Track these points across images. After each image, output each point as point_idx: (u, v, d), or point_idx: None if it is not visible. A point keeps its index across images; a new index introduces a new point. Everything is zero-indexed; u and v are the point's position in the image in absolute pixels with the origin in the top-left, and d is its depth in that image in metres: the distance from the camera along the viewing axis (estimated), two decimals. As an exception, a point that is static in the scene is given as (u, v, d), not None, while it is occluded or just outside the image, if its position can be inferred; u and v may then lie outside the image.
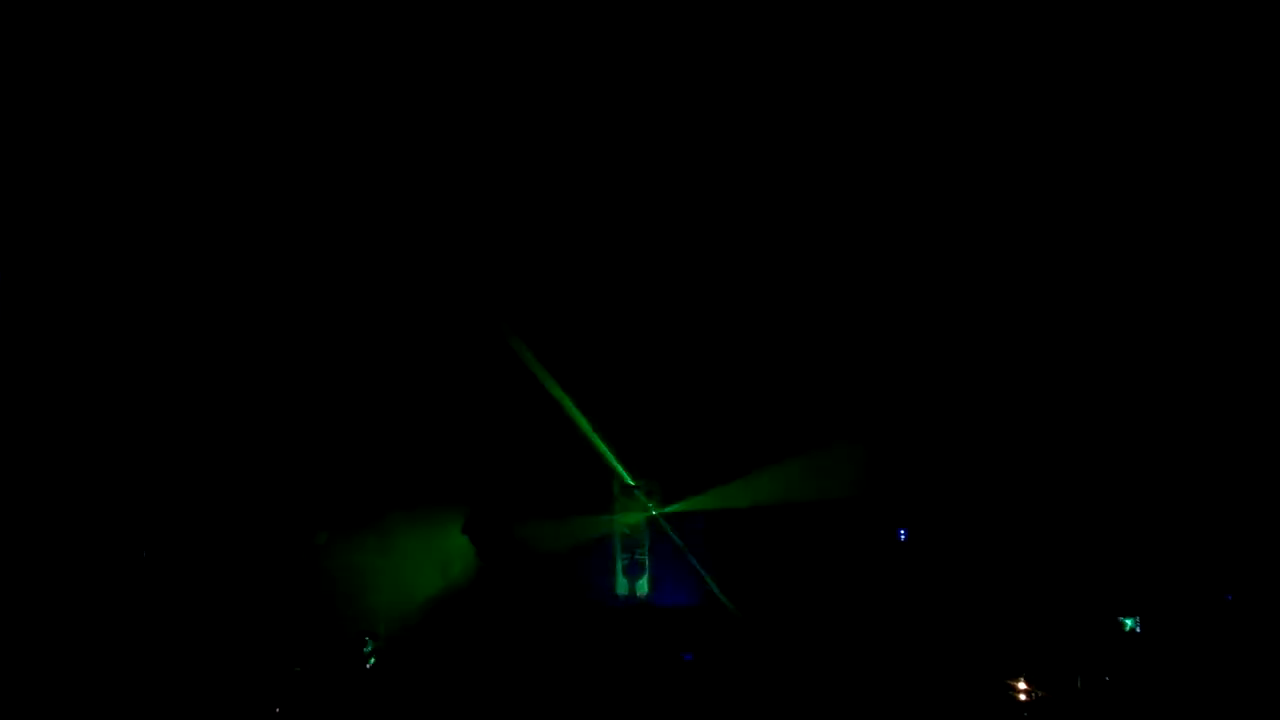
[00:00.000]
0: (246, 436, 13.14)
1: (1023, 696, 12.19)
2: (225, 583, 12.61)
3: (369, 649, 12.53)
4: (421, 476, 13.69)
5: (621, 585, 14.03)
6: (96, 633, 11.43)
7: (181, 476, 12.81)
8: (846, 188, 12.84)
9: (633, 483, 14.24)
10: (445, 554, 13.76)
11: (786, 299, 13.73)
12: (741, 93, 11.92)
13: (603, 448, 14.04)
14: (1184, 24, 11.20)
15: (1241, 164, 12.05)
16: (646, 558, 14.09)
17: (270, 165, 12.04)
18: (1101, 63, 11.54)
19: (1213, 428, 13.17)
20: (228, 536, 12.94)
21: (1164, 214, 12.73)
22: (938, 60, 11.62)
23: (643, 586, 14.08)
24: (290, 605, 12.74)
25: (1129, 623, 12.96)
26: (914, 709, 11.81)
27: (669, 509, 14.32)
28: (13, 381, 11.15)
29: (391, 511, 13.61)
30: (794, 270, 13.59)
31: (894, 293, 13.79)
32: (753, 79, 11.87)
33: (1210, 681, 11.68)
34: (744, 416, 14.13)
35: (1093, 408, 13.53)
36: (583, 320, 13.85)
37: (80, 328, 12.05)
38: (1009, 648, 12.74)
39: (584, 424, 13.92)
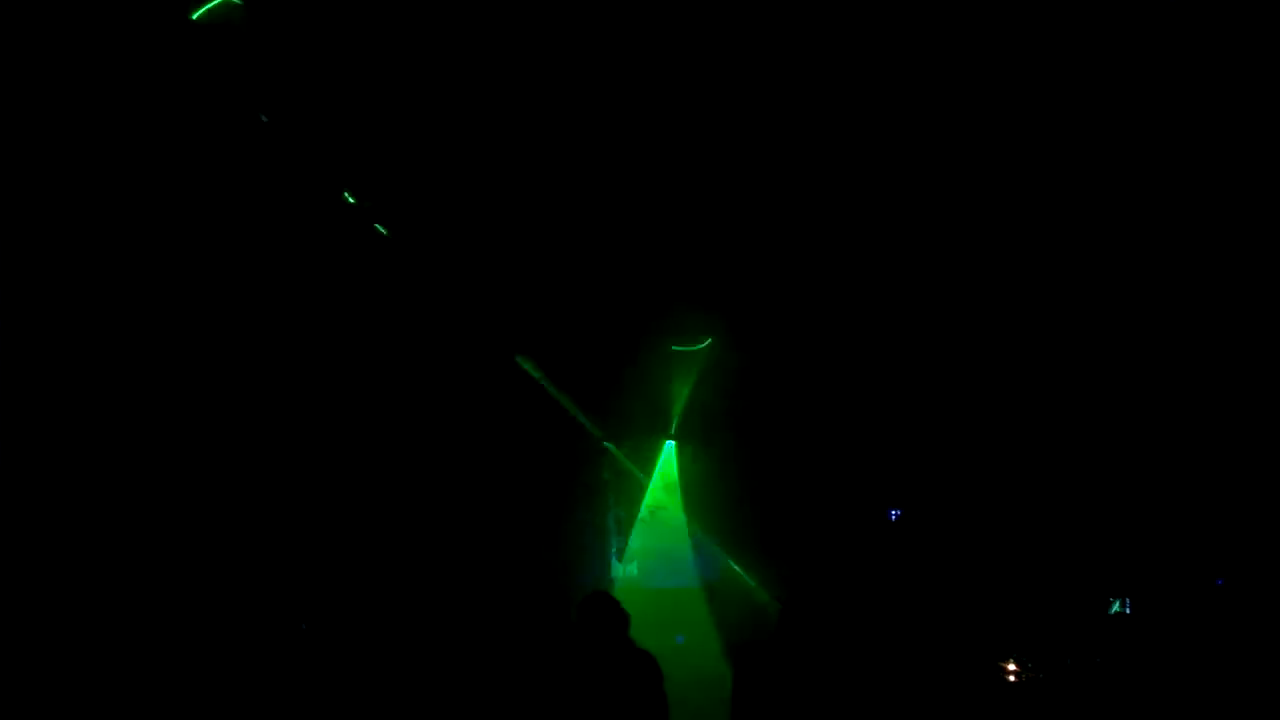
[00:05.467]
0: (250, 432, 13.27)
1: (1012, 678, 12.40)
2: (233, 546, 12.70)
3: (370, 616, 12.64)
4: (426, 468, 13.84)
5: (615, 568, 14.30)
6: (110, 602, 11.57)
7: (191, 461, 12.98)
8: (846, 185, 12.80)
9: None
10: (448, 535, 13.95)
11: (785, 295, 13.77)
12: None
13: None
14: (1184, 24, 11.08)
15: (1240, 164, 11.96)
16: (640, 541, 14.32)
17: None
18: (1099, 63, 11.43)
19: (1206, 410, 13.15)
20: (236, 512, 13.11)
21: (1162, 205, 12.67)
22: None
23: (632, 569, 14.34)
24: (296, 565, 12.83)
25: (1118, 605, 13.13)
26: (903, 690, 11.95)
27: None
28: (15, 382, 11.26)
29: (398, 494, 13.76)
30: (793, 263, 13.61)
31: (891, 279, 13.79)
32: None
33: (1201, 665, 11.78)
34: (736, 406, 14.24)
35: (1083, 389, 13.53)
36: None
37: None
38: (998, 629, 12.90)
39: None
